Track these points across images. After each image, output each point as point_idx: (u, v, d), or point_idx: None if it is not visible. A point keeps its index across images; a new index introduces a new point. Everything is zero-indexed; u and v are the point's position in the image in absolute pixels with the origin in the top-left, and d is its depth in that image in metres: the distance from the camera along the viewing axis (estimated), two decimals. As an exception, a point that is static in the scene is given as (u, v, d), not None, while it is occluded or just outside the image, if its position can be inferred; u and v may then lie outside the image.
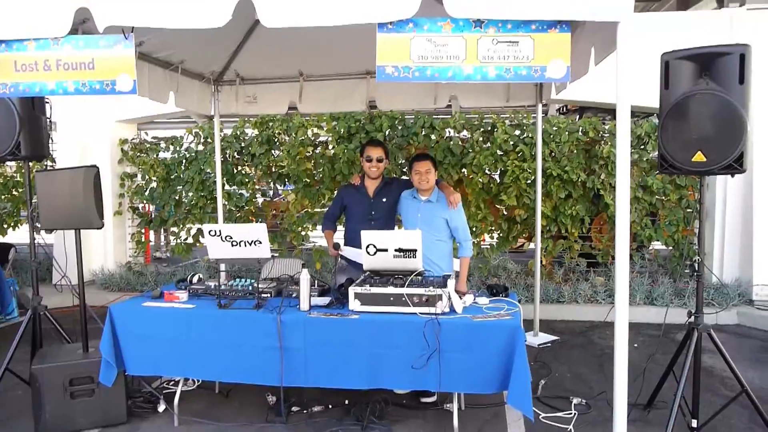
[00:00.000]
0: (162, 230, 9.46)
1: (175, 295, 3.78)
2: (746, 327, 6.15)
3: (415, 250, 3.34)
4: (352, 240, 4.30)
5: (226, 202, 7.50)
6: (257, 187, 7.89)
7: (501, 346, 3.25)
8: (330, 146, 7.51)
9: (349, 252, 4.17)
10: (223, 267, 5.39)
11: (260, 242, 3.52)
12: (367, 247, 3.38)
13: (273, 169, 7.74)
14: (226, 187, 7.68)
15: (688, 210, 7.00)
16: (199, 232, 7.98)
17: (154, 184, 8.09)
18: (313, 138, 7.51)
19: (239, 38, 5.00)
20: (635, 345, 5.58)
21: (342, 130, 7.27)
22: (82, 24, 2.93)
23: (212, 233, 3.49)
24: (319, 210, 7.60)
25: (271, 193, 8.71)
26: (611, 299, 6.59)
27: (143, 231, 8.51)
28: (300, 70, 5.45)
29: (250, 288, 3.89)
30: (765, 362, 5.12)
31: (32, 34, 2.65)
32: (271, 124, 7.55)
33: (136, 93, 2.74)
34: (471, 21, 2.43)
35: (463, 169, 7.05)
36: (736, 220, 6.70)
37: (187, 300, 3.79)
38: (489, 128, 7.09)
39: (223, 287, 3.84)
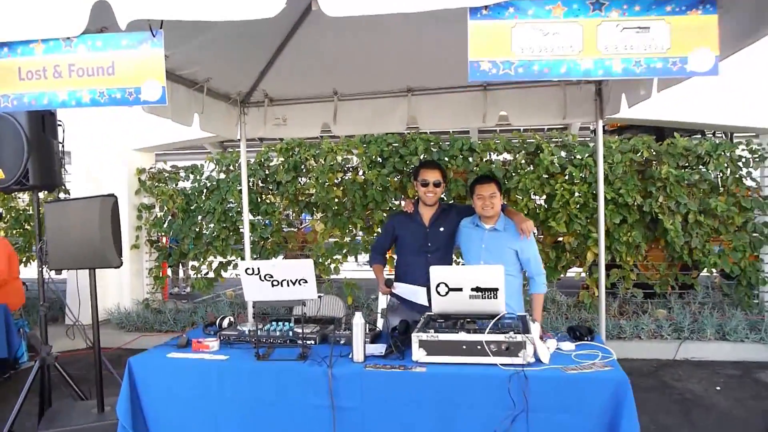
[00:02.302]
0: (181, 264, 8.96)
1: (205, 343, 3.23)
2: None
3: (497, 290, 2.78)
4: (405, 275, 3.76)
5: (251, 234, 7.00)
6: (283, 216, 7.38)
7: (604, 404, 2.66)
8: (361, 172, 7.03)
9: (402, 289, 3.63)
10: (250, 307, 4.87)
11: (306, 281, 2.98)
12: (438, 286, 2.83)
13: (300, 198, 7.25)
14: (250, 217, 7.18)
15: (755, 234, 6.39)
16: (221, 266, 7.48)
17: (173, 216, 7.63)
18: (342, 163, 7.03)
19: (269, 55, 4.53)
20: (717, 388, 4.92)
21: (374, 154, 6.78)
22: (101, 30, 2.47)
23: (249, 271, 2.96)
24: (349, 240, 7.07)
25: (298, 223, 8.21)
26: (677, 334, 5.96)
27: (161, 265, 8.02)
28: (334, 88, 4.97)
29: (291, 333, 3.34)
30: None
31: (40, 34, 2.17)
32: (297, 149, 7.08)
33: (166, 102, 2.23)
34: (588, 2, 1.92)
35: (507, 194, 6.51)
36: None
37: (218, 349, 3.24)
38: (533, 149, 6.57)
39: (259, 333, 3.30)
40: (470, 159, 6.68)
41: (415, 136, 6.79)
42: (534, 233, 3.55)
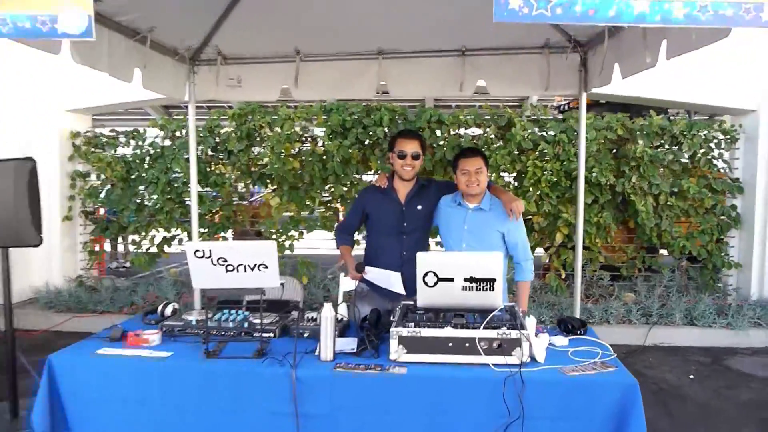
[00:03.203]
0: (120, 238, 8.25)
1: (144, 336, 2.74)
2: (802, 351, 5.44)
3: (494, 281, 2.40)
4: (377, 258, 3.34)
5: (198, 207, 6.42)
6: (233, 189, 6.81)
7: (609, 411, 2.35)
8: (320, 142, 6.53)
9: (375, 275, 3.21)
10: (197, 292, 4.36)
11: (266, 266, 2.52)
12: (425, 275, 2.42)
13: (252, 169, 6.69)
14: (198, 188, 6.59)
15: (722, 217, 6.29)
16: (165, 240, 6.87)
17: (111, 185, 6.93)
18: (301, 133, 6.50)
19: (224, 4, 3.97)
20: (690, 376, 4.77)
21: (335, 124, 6.28)
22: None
23: (199, 254, 2.47)
24: (306, 215, 6.59)
25: (249, 195, 7.64)
26: (645, 319, 5.80)
27: (97, 239, 7.32)
28: (296, 47, 4.43)
29: (246, 325, 2.89)
30: None
31: None
32: (251, 116, 6.50)
33: (92, 36, 1.71)
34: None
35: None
36: (777, 230, 6.00)
37: (159, 344, 2.76)
38: (504, 123, 6.22)
39: (209, 324, 2.83)
40: (438, 132, 6.28)
41: (380, 106, 6.33)
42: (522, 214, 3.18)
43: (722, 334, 5.54)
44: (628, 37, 3.34)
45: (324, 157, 6.36)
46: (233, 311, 3.06)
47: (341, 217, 6.66)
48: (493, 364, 2.42)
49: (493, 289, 2.40)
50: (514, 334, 2.46)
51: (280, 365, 2.48)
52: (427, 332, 2.49)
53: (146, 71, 3.89)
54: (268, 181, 6.61)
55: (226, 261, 2.49)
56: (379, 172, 6.38)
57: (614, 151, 6.26)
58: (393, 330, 2.51)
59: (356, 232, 3.66)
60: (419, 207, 3.34)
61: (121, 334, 2.82)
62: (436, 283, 2.40)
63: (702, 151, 6.18)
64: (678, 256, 6.35)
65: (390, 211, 3.34)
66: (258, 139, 6.57)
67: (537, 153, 6.04)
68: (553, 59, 4.20)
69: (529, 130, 6.11)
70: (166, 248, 6.91)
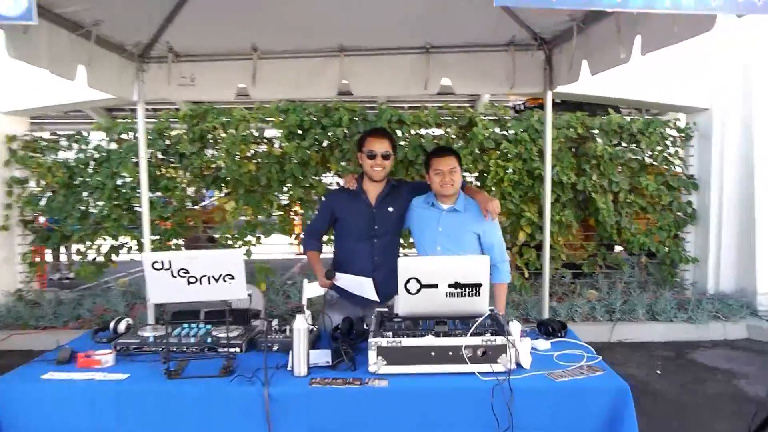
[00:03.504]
0: (62, 248, 7.76)
1: (95, 357, 2.49)
2: (757, 341, 5.56)
3: (480, 285, 2.28)
4: (347, 264, 3.18)
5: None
6: (186, 193, 6.49)
7: (602, 417, 2.26)
8: (277, 144, 6.30)
9: (346, 281, 3.04)
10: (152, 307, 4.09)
11: (232, 276, 2.32)
12: (407, 282, 2.27)
13: (206, 172, 6.40)
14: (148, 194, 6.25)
15: (678, 213, 6.40)
16: (113, 249, 6.48)
17: (52, 192, 6.50)
18: (257, 134, 6.25)
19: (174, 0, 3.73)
20: (658, 372, 4.79)
21: (293, 124, 6.07)
22: None
23: (158, 266, 2.25)
24: (263, 219, 6.35)
25: (204, 200, 7.32)
26: (609, 316, 5.84)
27: (37, 249, 6.85)
28: (253, 44, 4.21)
29: (209, 340, 2.67)
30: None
31: None
32: (203, 118, 6.21)
33: (33, 20, 1.49)
34: None
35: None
36: (732, 225, 6.15)
37: (114, 365, 2.51)
38: (465, 123, 6.15)
39: (169, 340, 2.60)
40: (399, 132, 6.16)
41: (339, 105, 6.16)
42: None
43: (684, 328, 5.62)
44: (598, 32, 3.28)
45: (281, 159, 6.14)
46: (194, 325, 2.85)
47: (299, 222, 6.46)
48: (478, 373, 2.30)
49: (479, 294, 2.28)
50: (499, 340, 2.34)
51: (250, 383, 2.29)
52: (407, 341, 2.34)
53: (91, 69, 3.59)
54: (222, 185, 6.33)
55: (187, 272, 2.28)
56: (339, 173, 6.21)
57: (574, 149, 6.28)
58: (371, 341, 2.35)
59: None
60: (390, 209, 3.19)
61: (69, 355, 2.55)
62: (419, 290, 2.26)
63: (659, 148, 6.27)
64: (637, 252, 6.42)
65: (360, 213, 3.18)
66: (211, 141, 6.29)
67: (499, 152, 6.00)
68: (518, 57, 4.14)
69: (491, 130, 6.06)
70: (113, 257, 6.52)
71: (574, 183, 6.02)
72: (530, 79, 4.32)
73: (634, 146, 6.24)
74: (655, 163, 6.29)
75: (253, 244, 6.39)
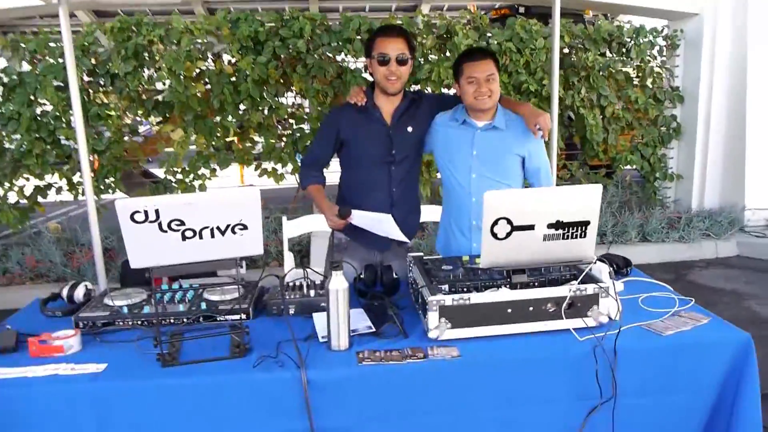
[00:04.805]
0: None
1: (54, 343, 1.82)
2: (748, 258, 5.44)
3: (588, 224, 1.74)
4: (359, 198, 2.57)
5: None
6: (125, 122, 5.56)
7: (719, 377, 1.84)
8: (230, 60, 5.42)
9: (364, 219, 2.45)
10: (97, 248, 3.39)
11: (245, 226, 1.69)
12: (495, 224, 1.69)
13: (144, 96, 5.47)
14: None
15: (662, 128, 6.10)
16: (38, 190, 5.54)
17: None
18: (203, 49, 5.33)
19: None
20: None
21: (245, 36, 5.19)
22: None
23: (139, 216, 1.57)
24: (218, 149, 5.55)
25: (143, 129, 6.36)
26: (601, 238, 5.55)
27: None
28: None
29: (203, 306, 2.05)
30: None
31: None
32: (136, 29, 5.21)
33: None
34: None
35: (416, 86, 5.42)
36: (719, 139, 5.90)
37: (80, 349, 1.86)
38: (443, 32, 5.47)
39: (153, 309, 1.97)
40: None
41: (297, 14, 5.31)
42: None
43: (675, 248, 5.43)
44: None
45: (235, 78, 5.30)
46: (179, 285, 2.21)
47: (261, 149, 5.71)
48: (574, 329, 1.82)
49: (585, 235, 1.75)
50: (590, 289, 1.85)
51: (278, 365, 1.71)
52: (478, 298, 1.81)
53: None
54: (167, 110, 5.43)
55: (182, 224, 1.62)
56: (301, 92, 5.46)
57: (561, 60, 5.75)
58: (432, 299, 1.80)
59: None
60: (410, 128, 2.58)
61: (15, 339, 1.87)
62: (509, 234, 1.69)
63: (648, 59, 5.85)
64: (622, 170, 6.13)
65: (373, 135, 2.55)
66: (149, 59, 5.32)
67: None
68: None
69: (472, 39, 5.41)
70: (40, 199, 5.59)
71: (562, 97, 5.54)
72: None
73: (623, 56, 5.77)
74: (643, 75, 5.87)
75: (208, 178, 5.62)
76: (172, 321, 2.00)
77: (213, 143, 5.47)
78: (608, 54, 5.80)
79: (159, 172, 6.12)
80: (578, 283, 1.86)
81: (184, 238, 1.64)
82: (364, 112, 2.56)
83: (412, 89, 2.93)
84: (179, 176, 5.61)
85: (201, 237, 1.65)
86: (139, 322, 1.98)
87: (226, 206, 1.63)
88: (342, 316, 1.78)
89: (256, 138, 5.71)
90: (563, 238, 1.71)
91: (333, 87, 5.38)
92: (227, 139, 5.55)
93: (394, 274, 2.29)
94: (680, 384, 1.81)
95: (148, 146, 5.95)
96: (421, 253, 2.30)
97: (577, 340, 1.79)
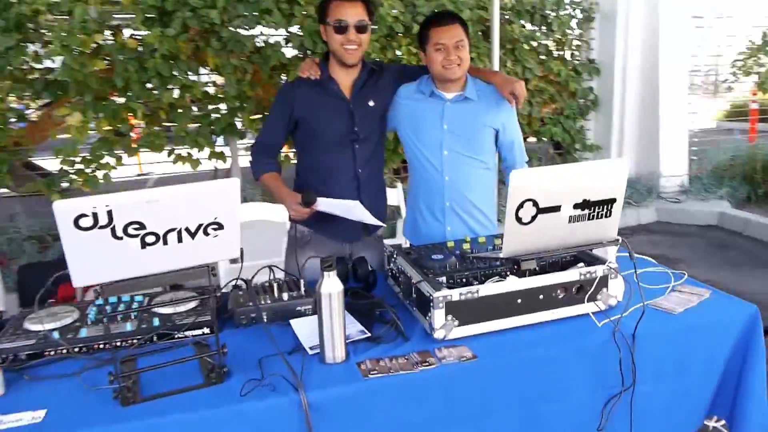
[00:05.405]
0: None
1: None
2: (666, 223, 5.69)
3: (614, 202, 1.58)
4: (320, 183, 2.29)
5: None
6: (11, 106, 4.82)
7: (727, 352, 1.78)
8: (129, 33, 4.83)
9: (329, 206, 2.16)
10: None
11: (220, 226, 1.37)
12: (520, 207, 1.48)
13: (31, 76, 4.75)
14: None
15: (580, 100, 6.22)
16: None
17: None
18: (101, 20, 4.70)
19: None
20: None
21: (149, 6, 4.63)
22: None
23: (85, 221, 1.22)
24: (126, 134, 4.97)
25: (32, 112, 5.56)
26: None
27: None
28: None
29: (156, 323, 1.70)
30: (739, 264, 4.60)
31: None
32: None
33: None
34: None
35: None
36: (635, 110, 6.10)
37: (4, 393, 1.46)
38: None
39: (105, 332, 1.61)
40: (295, 15, 5.02)
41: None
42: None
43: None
44: None
45: (140, 54, 4.72)
46: (120, 298, 1.84)
47: (173, 131, 5.18)
48: (593, 314, 1.68)
49: (610, 215, 1.58)
50: (598, 270, 1.71)
51: (270, 389, 1.43)
52: (486, 289, 1.62)
53: None
54: (60, 91, 4.76)
55: (143, 227, 1.28)
56: (217, 68, 4.99)
57: (481, 33, 5.66)
58: (437, 295, 1.59)
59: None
60: (371, 103, 2.32)
61: None
62: (534, 217, 1.49)
63: (568, 31, 5.91)
64: (545, 142, 6.20)
65: (333, 111, 2.26)
66: (35, 32, 4.61)
67: (410, 38, 5.17)
68: None
69: (398, 11, 5.18)
70: None
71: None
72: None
73: (544, 29, 5.78)
74: (562, 47, 5.93)
75: (113, 167, 5.02)
76: (118, 344, 1.64)
77: (119, 127, 4.87)
78: (530, 26, 5.79)
79: (47, 163, 5.42)
80: (584, 265, 1.72)
81: (144, 245, 1.30)
82: (319, 86, 2.26)
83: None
84: (79, 166, 4.96)
85: (166, 242, 1.32)
86: (77, 350, 1.61)
87: (199, 202, 1.31)
88: (337, 324, 1.53)
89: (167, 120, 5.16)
90: (589, 219, 1.54)
91: (252, 62, 4.95)
92: (134, 122, 4.97)
93: (369, 267, 2.05)
94: (693, 363, 1.73)
95: (37, 132, 5.22)
96: (400, 242, 2.08)
97: (593, 327, 1.66)
